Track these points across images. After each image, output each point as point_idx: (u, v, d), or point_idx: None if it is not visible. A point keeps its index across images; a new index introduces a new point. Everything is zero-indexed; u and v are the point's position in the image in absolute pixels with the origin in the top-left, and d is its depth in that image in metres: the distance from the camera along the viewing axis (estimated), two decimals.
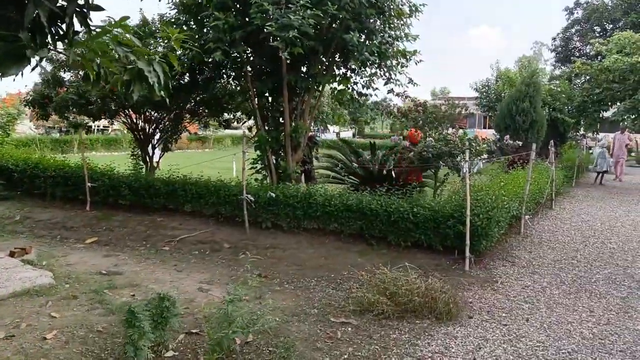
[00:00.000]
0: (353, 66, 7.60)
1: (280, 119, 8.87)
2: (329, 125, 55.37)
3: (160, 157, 11.08)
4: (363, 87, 9.17)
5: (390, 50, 8.07)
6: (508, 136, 12.77)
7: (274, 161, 9.09)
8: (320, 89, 9.08)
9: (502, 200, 7.41)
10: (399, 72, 8.98)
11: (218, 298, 5.47)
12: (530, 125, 14.22)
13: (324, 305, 5.43)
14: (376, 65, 8.37)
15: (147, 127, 10.73)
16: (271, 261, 7.25)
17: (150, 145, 10.74)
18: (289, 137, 8.75)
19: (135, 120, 10.63)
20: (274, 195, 8.06)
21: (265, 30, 6.78)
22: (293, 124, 8.85)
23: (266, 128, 8.95)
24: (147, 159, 10.76)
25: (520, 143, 11.98)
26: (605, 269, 7.00)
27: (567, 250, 7.93)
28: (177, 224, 8.87)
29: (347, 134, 50.93)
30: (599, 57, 17.58)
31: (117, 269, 6.53)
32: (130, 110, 10.38)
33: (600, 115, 16.34)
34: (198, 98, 10.12)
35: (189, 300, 5.42)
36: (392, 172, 8.47)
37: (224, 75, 9.23)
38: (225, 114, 11.25)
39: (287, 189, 8.17)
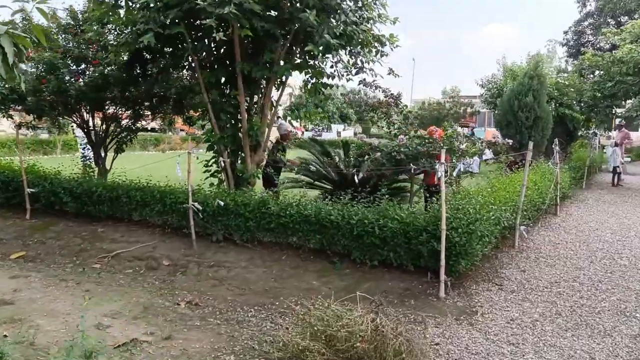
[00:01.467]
0: (313, 52, 6.41)
1: (239, 115, 7.70)
2: (333, 124, 54.33)
3: (113, 159, 9.96)
4: (328, 76, 7.94)
5: (359, 33, 6.86)
6: (499, 134, 11.49)
7: (233, 163, 7.92)
8: (282, 79, 7.90)
9: (489, 210, 6.18)
10: (372, 60, 7.76)
11: (114, 338, 4.32)
12: (534, 122, 12.89)
13: (247, 349, 4.27)
14: (344, 52, 7.18)
15: (100, 124, 9.64)
16: (211, 283, 6.11)
17: (102, 146, 9.64)
18: (246, 136, 7.59)
19: (85, 118, 9.54)
20: (222, 203, 6.90)
21: (196, 6, 5.62)
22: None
23: (223, 125, 7.78)
24: (100, 162, 9.66)
25: (510, 142, 10.69)
26: (614, 294, 5.74)
27: (568, 269, 6.66)
28: (118, 236, 7.75)
29: (348, 132, 49.34)
30: (613, 50, 16.15)
31: (14, 295, 5.41)
32: (82, 106, 9.31)
33: (613, 111, 14.95)
34: (156, 92, 8.99)
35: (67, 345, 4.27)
36: (357, 176, 7.24)
37: (167, 66, 8.07)
38: (192, 111, 10.12)
39: (240, 196, 7.01)
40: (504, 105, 13.53)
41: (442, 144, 7.08)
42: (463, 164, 18.15)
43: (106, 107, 9.34)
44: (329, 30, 6.39)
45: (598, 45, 29.31)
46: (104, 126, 9.60)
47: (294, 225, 6.53)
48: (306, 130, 53.69)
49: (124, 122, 9.80)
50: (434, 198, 6.68)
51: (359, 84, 7.63)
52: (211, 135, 7.48)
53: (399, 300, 5.43)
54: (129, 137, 9.90)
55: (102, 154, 9.64)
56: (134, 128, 9.79)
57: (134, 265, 6.74)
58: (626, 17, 29.80)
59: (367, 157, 7.46)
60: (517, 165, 11.27)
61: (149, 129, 11.66)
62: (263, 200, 6.82)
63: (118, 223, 8.29)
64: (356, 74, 7.54)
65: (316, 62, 7.55)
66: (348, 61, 7.77)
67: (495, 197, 7.04)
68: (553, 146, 10.37)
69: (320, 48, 6.45)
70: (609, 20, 31.37)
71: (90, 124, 9.58)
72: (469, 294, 5.62)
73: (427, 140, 7.02)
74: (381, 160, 6.96)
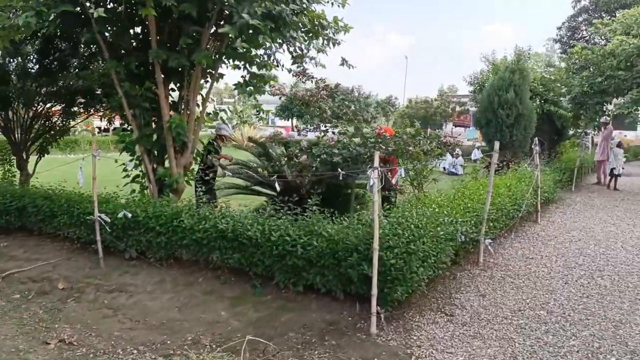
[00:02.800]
0: (230, 35, 5.37)
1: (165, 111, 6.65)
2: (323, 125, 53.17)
3: (36, 163, 8.89)
4: (259, 67, 6.88)
5: (292, 14, 5.81)
6: (466, 132, 10.42)
7: (155, 167, 6.88)
8: (212, 71, 6.84)
9: (438, 223, 5.13)
10: (321, 49, 6.73)
11: None
12: (516, 120, 11.81)
13: None
14: (279, 37, 6.13)
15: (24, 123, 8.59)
16: (104, 313, 5.07)
17: (24, 148, 8.58)
18: (169, 135, 6.54)
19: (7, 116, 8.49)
20: (129, 215, 5.85)
21: None
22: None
23: (141, 123, 6.73)
24: (22, 165, 8.60)
25: (477, 144, 9.65)
26: (587, 328, 4.69)
27: (537, 292, 5.61)
28: (21, 252, 6.71)
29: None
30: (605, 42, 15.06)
31: None
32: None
33: (604, 109, 13.89)
34: (77, 86, 7.94)
35: None
36: (304, 181, 6.20)
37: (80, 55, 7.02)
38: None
39: (152, 207, 5.96)
40: (483, 102, 12.47)
41: (391, 145, 6.02)
42: (447, 165, 17.01)
43: (18, 104, 8.25)
44: (249, 9, 5.33)
45: (593, 41, 28.25)
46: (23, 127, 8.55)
47: (210, 241, 5.47)
48: (297, 130, 52.48)
49: (50, 120, 8.73)
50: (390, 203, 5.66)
51: (290, 73, 6.59)
52: (125, 135, 6.42)
53: (319, 338, 4.38)
54: (55, 137, 8.83)
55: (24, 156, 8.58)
56: (60, 127, 8.73)
57: (25, 288, 5.70)
58: (622, 12, 28.74)
59: (292, 159, 6.40)
60: (500, 167, 10.25)
61: (102, 129, 10.58)
62: (177, 212, 5.77)
63: (28, 236, 7.25)
64: (293, 63, 6.49)
65: (249, 50, 6.48)
66: (289, 49, 6.72)
67: (455, 206, 6.00)
68: (533, 146, 9.31)
69: (238, 29, 5.39)
70: (604, 15, 30.27)
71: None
72: (408, 329, 4.57)
73: (372, 140, 5.97)
74: (313, 163, 5.90)
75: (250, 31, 5.68)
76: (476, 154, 17.98)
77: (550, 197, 11.16)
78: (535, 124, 12.46)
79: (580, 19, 32.77)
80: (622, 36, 12.74)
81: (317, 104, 6.22)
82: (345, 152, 5.64)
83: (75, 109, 8.67)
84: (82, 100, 8.42)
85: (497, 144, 6.32)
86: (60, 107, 8.68)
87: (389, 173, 6.16)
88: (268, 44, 6.22)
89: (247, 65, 6.61)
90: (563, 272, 6.32)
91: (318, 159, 5.64)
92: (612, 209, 11.25)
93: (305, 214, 5.37)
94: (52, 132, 8.80)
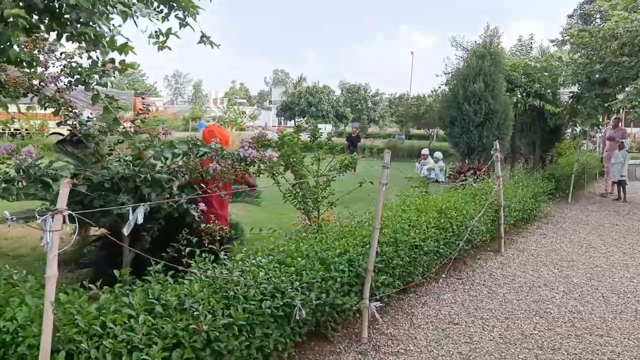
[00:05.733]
0: None
1: None
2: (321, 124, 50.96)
3: None
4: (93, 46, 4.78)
5: None
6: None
7: None
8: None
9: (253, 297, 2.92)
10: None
11: None
12: (487, 118, 9.41)
13: None
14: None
15: None
16: None
17: None
18: None
19: None
20: None
21: None
22: None
23: None
24: None
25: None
26: None
27: None
28: None
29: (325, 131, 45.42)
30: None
31: None
32: None
33: (606, 103, 11.39)
34: None
35: None
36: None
37: None
38: None
39: None
40: (447, 96, 10.14)
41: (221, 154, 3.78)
42: (425, 171, 14.65)
43: None
44: None
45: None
46: None
47: None
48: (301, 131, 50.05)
49: None
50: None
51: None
52: None
53: None
54: None
55: None
56: None
57: None
58: None
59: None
60: (474, 175, 7.95)
61: None
62: None
63: None
64: (72, 40, 4.34)
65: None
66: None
67: (316, 252, 3.76)
68: (492, 151, 6.97)
69: None
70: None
71: None
72: None
73: (194, 148, 3.74)
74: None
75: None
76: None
77: (529, 215, 8.79)
78: (512, 122, 10.05)
79: (591, 5, 29.80)
80: (623, 12, 10.26)
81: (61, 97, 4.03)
82: (124, 171, 3.39)
83: None
84: None
85: (387, 156, 4.05)
86: None
87: (212, 203, 3.96)
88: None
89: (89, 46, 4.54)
90: (493, 354, 4.01)
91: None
92: (610, 229, 8.84)
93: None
94: None
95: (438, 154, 15.86)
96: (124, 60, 4.98)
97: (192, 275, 2.90)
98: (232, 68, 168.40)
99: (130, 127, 3.69)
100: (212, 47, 5.47)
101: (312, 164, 5.21)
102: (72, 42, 5.06)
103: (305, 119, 57.12)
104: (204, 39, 5.43)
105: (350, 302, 3.66)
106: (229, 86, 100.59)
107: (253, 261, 3.23)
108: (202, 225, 3.38)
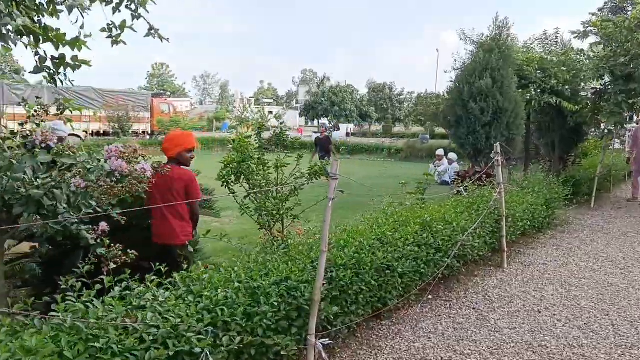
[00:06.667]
0: None
1: None
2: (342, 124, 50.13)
3: None
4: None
5: None
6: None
7: None
8: None
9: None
10: None
11: None
12: (494, 117, 8.59)
13: None
14: None
15: None
16: None
17: None
18: None
19: None
20: None
21: None
22: None
23: None
24: None
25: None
26: None
27: None
28: None
29: (341, 131, 44.51)
30: None
31: None
32: None
33: (630, 99, 10.41)
34: None
35: None
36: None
37: None
38: None
39: None
40: (452, 93, 9.35)
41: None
42: (443, 175, 13.84)
43: None
44: None
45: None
46: None
47: None
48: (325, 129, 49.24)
49: None
50: None
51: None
52: None
53: None
54: None
55: None
56: None
57: None
58: None
59: None
60: (478, 180, 7.23)
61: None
62: None
63: None
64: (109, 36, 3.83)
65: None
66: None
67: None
68: (492, 154, 6.22)
69: None
70: None
71: None
72: None
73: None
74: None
75: None
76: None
77: (542, 223, 7.98)
78: (523, 120, 9.19)
79: None
80: None
81: None
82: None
83: None
84: None
85: (333, 166, 3.39)
86: None
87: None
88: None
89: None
90: None
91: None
92: (633, 240, 7.96)
93: None
94: None
95: (452, 155, 15.01)
96: (76, 56, 4.50)
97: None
98: (261, 69, 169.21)
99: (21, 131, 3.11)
100: (162, 40, 4.93)
101: (272, 171, 4.58)
102: (21, 37, 4.58)
103: (328, 118, 56.63)
104: (152, 31, 4.89)
105: (285, 342, 3.02)
106: (257, 87, 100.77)
107: (149, 295, 2.62)
108: (99, 250, 2.81)
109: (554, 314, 4.83)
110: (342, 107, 54.53)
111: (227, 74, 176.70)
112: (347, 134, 41.97)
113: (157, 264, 2.96)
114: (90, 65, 4.71)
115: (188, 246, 3.91)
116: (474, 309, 4.92)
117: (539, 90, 9.80)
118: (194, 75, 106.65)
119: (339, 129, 45.23)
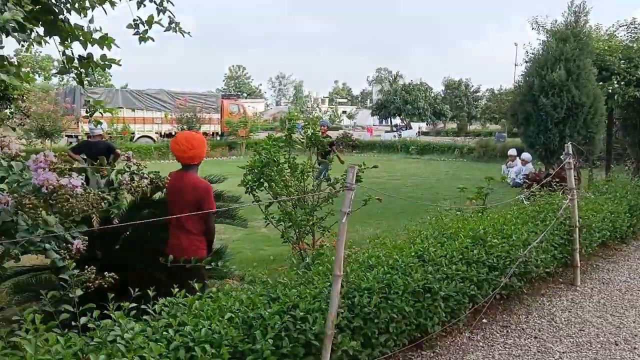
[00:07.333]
0: None
1: None
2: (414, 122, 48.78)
3: None
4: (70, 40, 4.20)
5: None
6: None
7: None
8: None
9: None
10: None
11: None
12: (569, 113, 7.60)
13: None
14: None
15: None
16: None
17: None
18: None
19: None
20: None
21: None
22: None
23: None
24: None
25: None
26: None
27: None
28: None
29: (413, 129, 43.13)
30: None
31: None
32: None
33: None
34: None
35: None
36: None
37: None
38: None
39: None
40: (521, 88, 8.45)
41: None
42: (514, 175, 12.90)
43: None
44: None
45: None
46: None
47: None
48: (394, 129, 48.51)
49: None
50: None
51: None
52: None
53: None
54: None
55: None
56: None
57: None
58: None
59: None
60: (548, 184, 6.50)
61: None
62: None
63: None
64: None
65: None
66: None
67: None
68: (562, 156, 5.44)
69: None
70: None
71: None
72: None
73: None
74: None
75: None
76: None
77: (624, 232, 7.01)
78: (604, 116, 8.13)
79: None
80: None
81: None
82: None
83: None
84: None
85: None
86: None
87: None
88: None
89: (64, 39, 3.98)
90: None
91: None
92: None
93: None
94: None
95: (526, 156, 13.84)
96: (105, 55, 4.33)
97: None
98: (337, 68, 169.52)
99: None
100: (184, 35, 4.70)
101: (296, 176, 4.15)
102: (50, 37, 4.49)
103: (401, 116, 55.49)
104: (172, 25, 4.66)
105: None
106: (332, 86, 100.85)
107: (118, 330, 2.27)
108: (63, 275, 2.50)
109: (635, 348, 4.05)
110: (414, 106, 53.18)
111: (301, 75, 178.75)
112: (418, 133, 40.74)
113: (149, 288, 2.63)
114: (120, 65, 4.50)
115: (200, 262, 3.55)
116: (535, 337, 4.24)
117: (622, 83, 8.67)
118: (269, 77, 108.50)
119: (410, 128, 44.08)
